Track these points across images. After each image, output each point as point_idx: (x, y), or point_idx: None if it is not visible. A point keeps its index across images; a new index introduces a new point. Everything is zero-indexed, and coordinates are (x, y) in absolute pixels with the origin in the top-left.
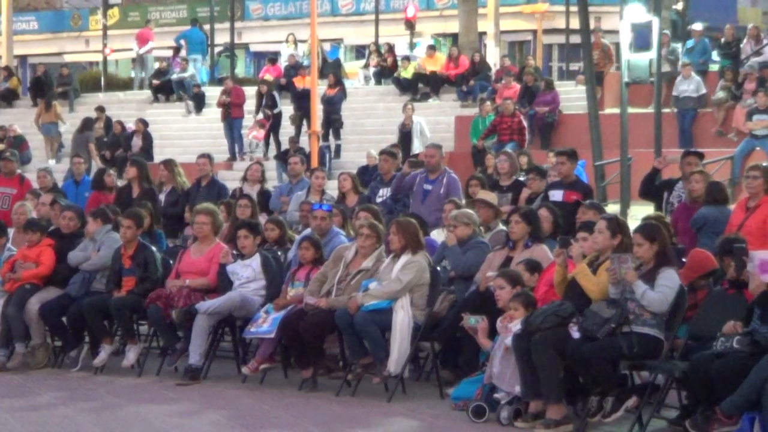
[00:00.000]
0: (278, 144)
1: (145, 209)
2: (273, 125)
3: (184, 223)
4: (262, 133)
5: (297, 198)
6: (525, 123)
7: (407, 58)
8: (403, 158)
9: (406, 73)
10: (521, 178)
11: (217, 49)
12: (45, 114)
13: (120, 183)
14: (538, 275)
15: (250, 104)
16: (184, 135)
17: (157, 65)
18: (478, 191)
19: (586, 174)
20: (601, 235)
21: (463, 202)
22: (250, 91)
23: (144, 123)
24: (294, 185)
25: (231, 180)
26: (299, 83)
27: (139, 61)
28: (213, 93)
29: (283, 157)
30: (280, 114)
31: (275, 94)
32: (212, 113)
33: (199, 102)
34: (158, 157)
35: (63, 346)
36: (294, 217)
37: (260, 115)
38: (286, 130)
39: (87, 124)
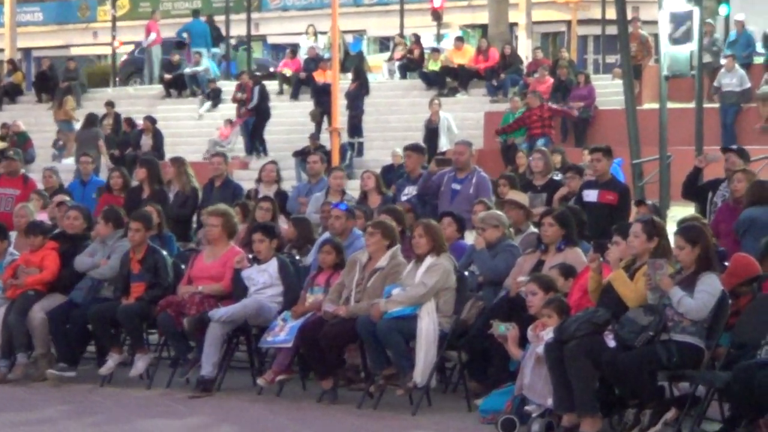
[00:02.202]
0: (261, 142)
1: (154, 210)
2: (256, 122)
3: (190, 226)
4: (228, 130)
5: (316, 199)
6: (555, 106)
7: (434, 51)
8: (429, 156)
9: (433, 66)
10: (556, 177)
11: (232, 42)
12: (57, 111)
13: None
14: (572, 281)
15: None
16: (197, 132)
17: (160, 58)
18: (507, 191)
19: (622, 173)
20: (637, 239)
21: (493, 202)
22: (270, 86)
23: (152, 121)
24: (313, 185)
25: (247, 180)
26: (319, 77)
27: (147, 55)
28: (228, 88)
29: (302, 156)
30: (264, 109)
31: (256, 88)
32: (228, 110)
33: (215, 98)
34: (170, 156)
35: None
36: (314, 219)
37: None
38: (307, 127)
39: (92, 120)
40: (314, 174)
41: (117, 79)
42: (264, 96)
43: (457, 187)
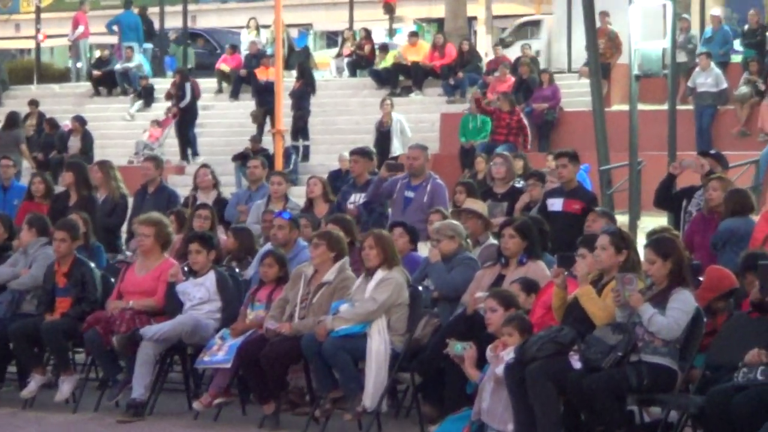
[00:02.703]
0: (190, 143)
1: (80, 218)
2: (181, 121)
3: (119, 236)
4: (158, 131)
5: (257, 207)
6: (526, 122)
7: (386, 47)
8: (380, 161)
9: (385, 63)
10: (518, 185)
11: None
12: None
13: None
14: (535, 296)
15: (206, 98)
16: (128, 134)
17: (97, 54)
18: (464, 199)
19: (589, 180)
20: (605, 252)
21: (449, 211)
22: (207, 84)
23: (81, 121)
24: (254, 192)
25: (183, 186)
26: (262, 75)
27: (74, 50)
28: (163, 86)
29: (242, 160)
30: (191, 107)
31: (187, 85)
32: (161, 109)
33: (147, 96)
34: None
35: None
36: (255, 230)
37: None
38: (247, 129)
39: (13, 120)
40: (254, 180)
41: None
42: (194, 94)
43: (410, 194)
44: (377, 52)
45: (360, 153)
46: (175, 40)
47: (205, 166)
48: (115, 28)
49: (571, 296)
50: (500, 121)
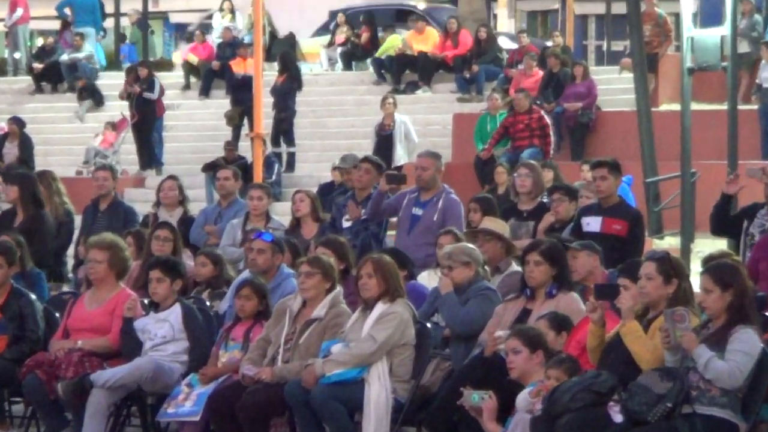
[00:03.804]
0: (152, 150)
1: (13, 240)
2: (141, 123)
3: (64, 262)
4: (113, 135)
5: (231, 227)
6: (548, 120)
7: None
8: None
9: (386, 51)
10: (547, 200)
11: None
12: None
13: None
14: (566, 335)
15: (170, 96)
16: (77, 139)
17: (39, 42)
18: (480, 218)
19: (633, 195)
20: (651, 282)
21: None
22: (172, 78)
23: (19, 123)
24: (224, 209)
25: (142, 201)
26: (238, 67)
27: (12, 37)
28: (118, 81)
29: (214, 170)
30: (154, 106)
31: (155, 78)
32: (116, 109)
33: (98, 93)
34: (40, 169)
35: None
36: (228, 254)
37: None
38: (221, 132)
39: None
40: (226, 194)
41: None
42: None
43: (418, 212)
44: (378, 41)
45: (373, 163)
46: (136, 23)
47: (171, 177)
48: (67, 10)
49: (610, 334)
50: (518, 124)
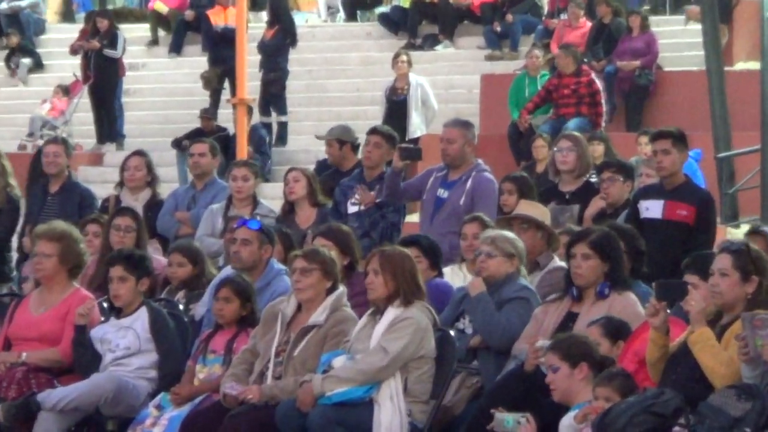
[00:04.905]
0: (108, 120)
1: None
2: (98, 86)
3: (7, 258)
4: (64, 102)
5: (210, 213)
6: (600, 85)
7: None
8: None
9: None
10: (595, 180)
11: None
12: None
13: None
14: (623, 344)
15: (133, 53)
16: (19, 107)
17: None
18: (515, 201)
19: (702, 173)
20: (726, 279)
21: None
22: (136, 31)
23: None
24: (199, 192)
25: (100, 182)
26: (217, 18)
27: None
28: (70, 36)
29: (181, 145)
30: (113, 66)
31: (118, 32)
32: (67, 70)
33: (34, 54)
34: None
35: None
36: (207, 246)
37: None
38: (197, 98)
39: None
40: (200, 174)
41: None
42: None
43: (443, 194)
44: None
45: (384, 135)
46: None
47: (139, 153)
48: None
49: (675, 344)
50: (562, 89)
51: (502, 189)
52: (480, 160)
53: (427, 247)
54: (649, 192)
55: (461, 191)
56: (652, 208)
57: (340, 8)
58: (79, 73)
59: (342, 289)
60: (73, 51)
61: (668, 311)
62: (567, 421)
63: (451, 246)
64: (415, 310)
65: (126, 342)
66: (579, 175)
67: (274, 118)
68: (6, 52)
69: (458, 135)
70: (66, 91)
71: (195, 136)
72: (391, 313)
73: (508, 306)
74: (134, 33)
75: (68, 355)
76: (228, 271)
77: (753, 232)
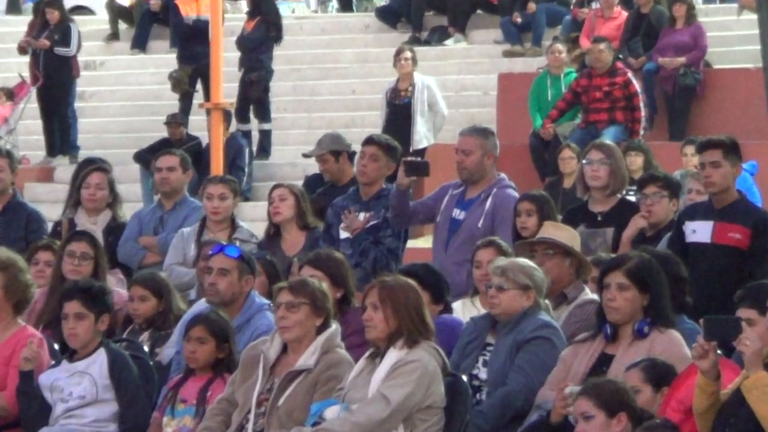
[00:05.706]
0: (60, 129)
1: None
2: (49, 90)
3: None
4: (7, 108)
5: (181, 239)
6: (638, 88)
7: None
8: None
9: None
10: (632, 197)
11: None
12: None
13: None
14: (667, 391)
15: (90, 50)
16: None
17: None
18: (534, 223)
19: (758, 189)
20: None
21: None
22: (91, 24)
23: None
24: (168, 212)
25: (51, 201)
26: (187, 8)
27: None
28: (15, 29)
29: (145, 158)
30: (66, 66)
31: (72, 25)
32: (12, 70)
33: None
34: None
35: None
36: (177, 278)
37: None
38: (165, 103)
39: None
40: (170, 191)
41: None
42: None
43: (459, 215)
44: None
45: (383, 146)
46: None
47: (100, 169)
48: None
49: (727, 390)
50: (593, 91)
51: (519, 210)
52: (503, 175)
53: (427, 277)
54: (696, 212)
55: (480, 212)
56: (699, 231)
57: None
58: (25, 74)
59: (335, 327)
60: (21, 50)
61: (719, 352)
62: None
63: (469, 276)
64: (421, 351)
65: (80, 390)
66: (612, 193)
67: (255, 126)
68: None
69: (476, 145)
70: (9, 94)
71: (162, 147)
72: (393, 355)
73: (527, 347)
74: (90, 26)
75: (12, 403)
76: (201, 306)
77: None
